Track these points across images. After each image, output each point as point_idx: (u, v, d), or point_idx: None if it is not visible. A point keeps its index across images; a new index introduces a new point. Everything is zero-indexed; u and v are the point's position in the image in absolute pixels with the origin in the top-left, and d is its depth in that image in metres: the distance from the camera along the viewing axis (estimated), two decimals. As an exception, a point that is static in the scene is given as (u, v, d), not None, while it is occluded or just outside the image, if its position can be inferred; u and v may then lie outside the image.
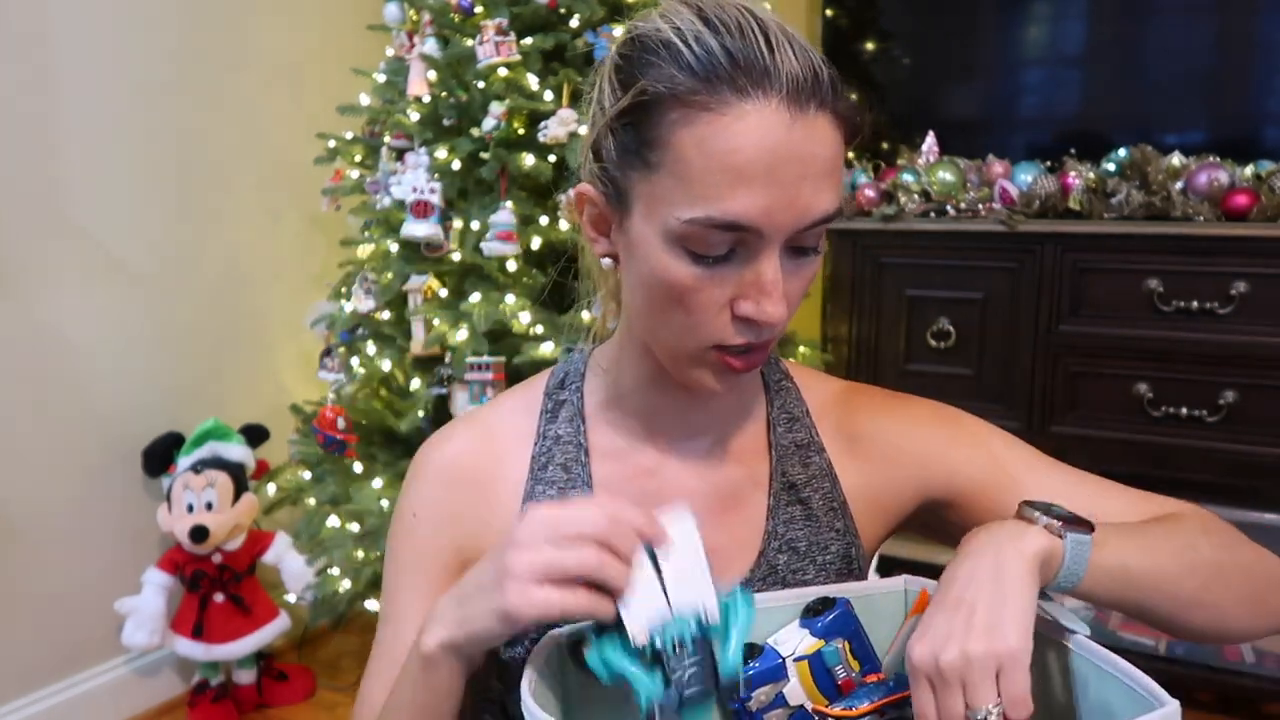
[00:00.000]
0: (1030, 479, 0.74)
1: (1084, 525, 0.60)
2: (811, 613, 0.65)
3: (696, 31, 0.61)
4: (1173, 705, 0.51)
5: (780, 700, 0.61)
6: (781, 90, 0.60)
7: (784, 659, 0.61)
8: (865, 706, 0.57)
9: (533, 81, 1.75)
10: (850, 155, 2.32)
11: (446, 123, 1.84)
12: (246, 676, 2.05)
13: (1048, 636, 0.60)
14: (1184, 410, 1.87)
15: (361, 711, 0.74)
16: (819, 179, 0.61)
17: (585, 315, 1.75)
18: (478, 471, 0.78)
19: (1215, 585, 0.67)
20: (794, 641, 0.63)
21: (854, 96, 0.66)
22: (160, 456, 1.99)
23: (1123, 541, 0.63)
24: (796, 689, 0.60)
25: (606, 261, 0.71)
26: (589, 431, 0.78)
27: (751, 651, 0.63)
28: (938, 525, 0.79)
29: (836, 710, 0.59)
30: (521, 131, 1.77)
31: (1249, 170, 1.85)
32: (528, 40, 1.75)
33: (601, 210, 0.69)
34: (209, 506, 1.94)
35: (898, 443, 0.78)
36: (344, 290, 2.00)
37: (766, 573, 0.74)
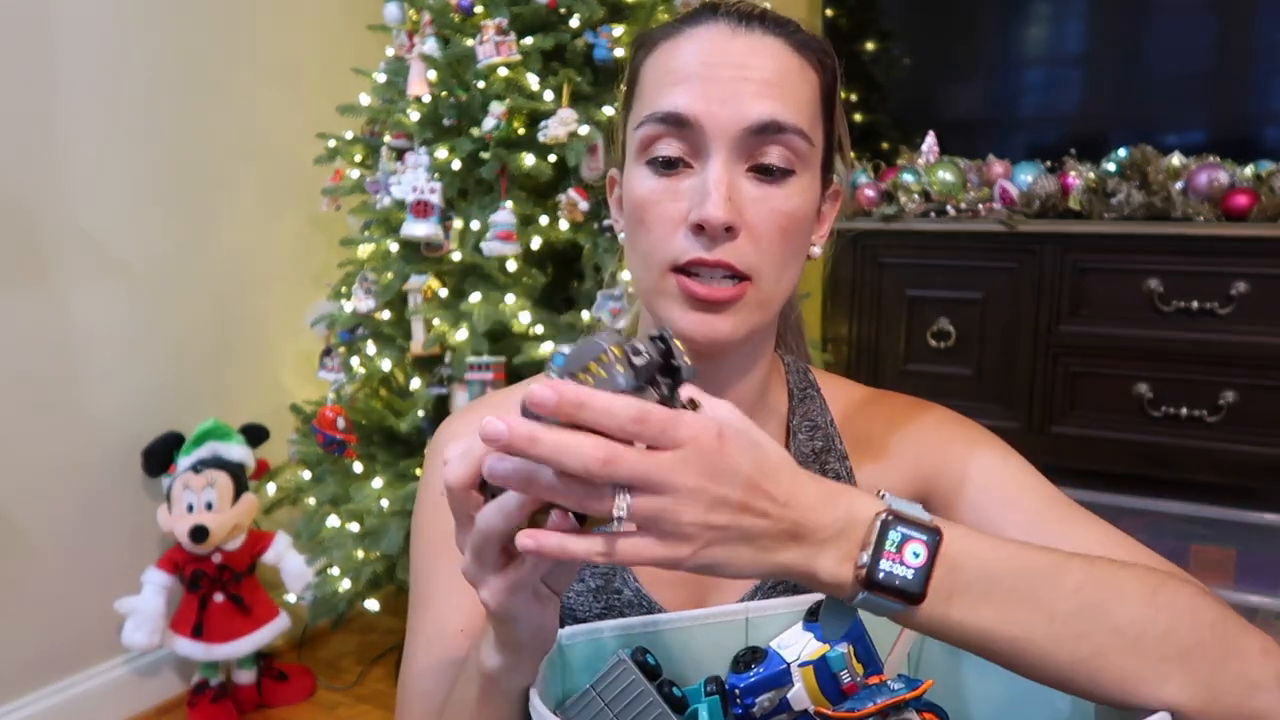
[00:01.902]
0: (1035, 507, 0.71)
1: (903, 596, 0.50)
2: (816, 616, 0.65)
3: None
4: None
5: (784, 705, 0.61)
6: (728, 15, 0.67)
7: (789, 664, 0.61)
8: (869, 709, 0.57)
9: (533, 81, 1.75)
10: (851, 155, 2.32)
11: (446, 123, 1.84)
12: (246, 676, 2.04)
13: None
14: (1184, 410, 1.87)
15: (415, 706, 0.72)
16: (761, 85, 0.65)
17: (585, 315, 1.76)
18: None
19: (1119, 655, 0.52)
20: (798, 645, 0.62)
21: (822, 40, 0.72)
22: (160, 456, 1.99)
23: (969, 601, 0.51)
24: (801, 694, 0.60)
25: (623, 236, 0.74)
26: None
27: (755, 656, 0.63)
28: None
29: (840, 713, 0.59)
30: (521, 131, 1.77)
31: (1249, 170, 1.85)
32: (528, 40, 1.75)
33: (619, 183, 0.74)
34: (209, 506, 1.94)
35: (905, 447, 0.77)
36: (344, 290, 2.00)
37: (776, 580, 0.74)
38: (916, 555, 0.50)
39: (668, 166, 0.66)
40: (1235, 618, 0.56)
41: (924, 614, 0.51)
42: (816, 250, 0.75)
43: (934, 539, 0.51)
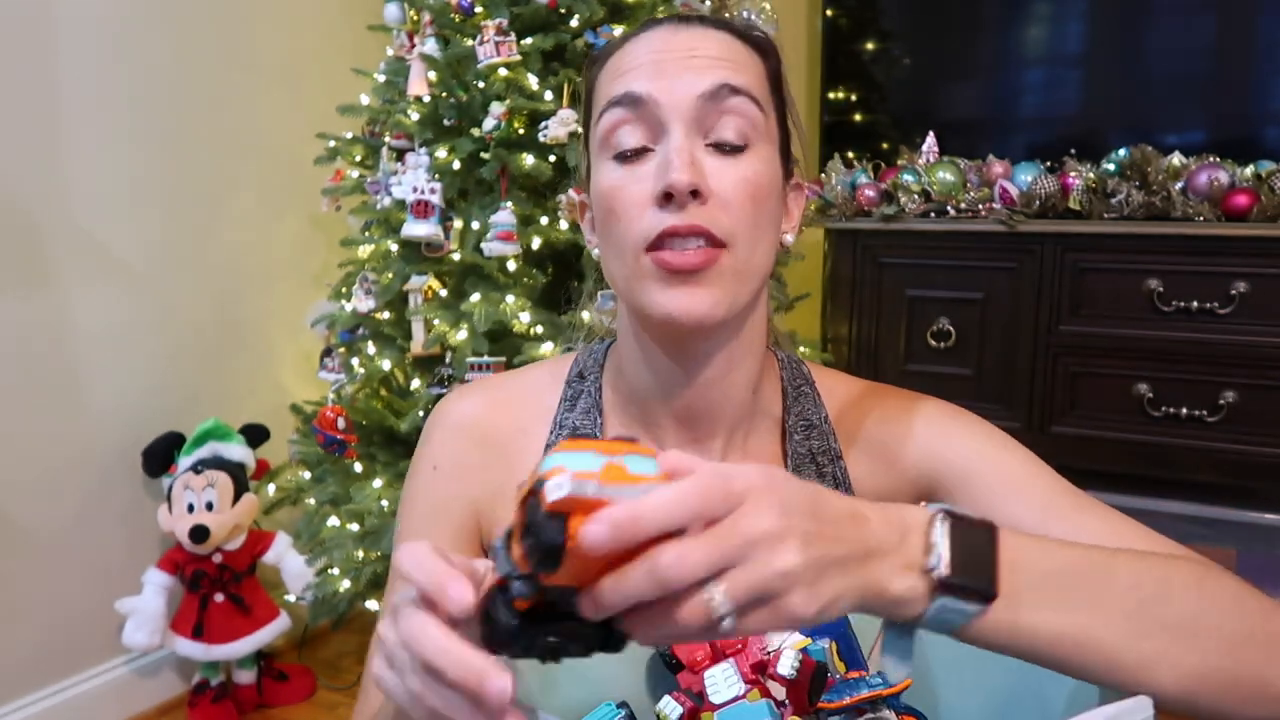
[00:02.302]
0: (1044, 495, 0.69)
1: (974, 594, 0.48)
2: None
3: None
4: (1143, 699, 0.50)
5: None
6: (670, 20, 0.71)
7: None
8: (844, 701, 0.57)
9: (533, 81, 1.75)
10: (850, 155, 2.32)
11: (446, 123, 1.84)
12: (246, 676, 2.05)
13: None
14: (1184, 410, 1.87)
15: (372, 690, 0.70)
16: (708, 61, 0.67)
17: (585, 315, 1.75)
18: (498, 433, 0.77)
19: (1179, 651, 0.52)
20: (779, 636, 0.62)
21: (761, 32, 0.75)
22: (160, 456, 1.99)
23: (1034, 602, 0.50)
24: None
25: (597, 252, 0.74)
26: (605, 427, 0.77)
27: None
28: None
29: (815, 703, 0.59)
30: (521, 131, 1.77)
31: (1249, 170, 1.85)
32: (528, 40, 1.75)
33: (589, 204, 0.75)
34: (209, 506, 1.94)
35: (902, 442, 0.76)
36: (344, 290, 2.00)
37: None
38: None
39: (631, 156, 0.68)
40: (1271, 602, 0.56)
41: (993, 619, 0.48)
42: (789, 238, 0.74)
43: (992, 534, 0.49)
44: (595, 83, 0.73)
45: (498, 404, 0.79)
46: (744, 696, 0.56)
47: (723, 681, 0.57)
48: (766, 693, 0.56)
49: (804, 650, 0.61)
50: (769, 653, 0.60)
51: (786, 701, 0.59)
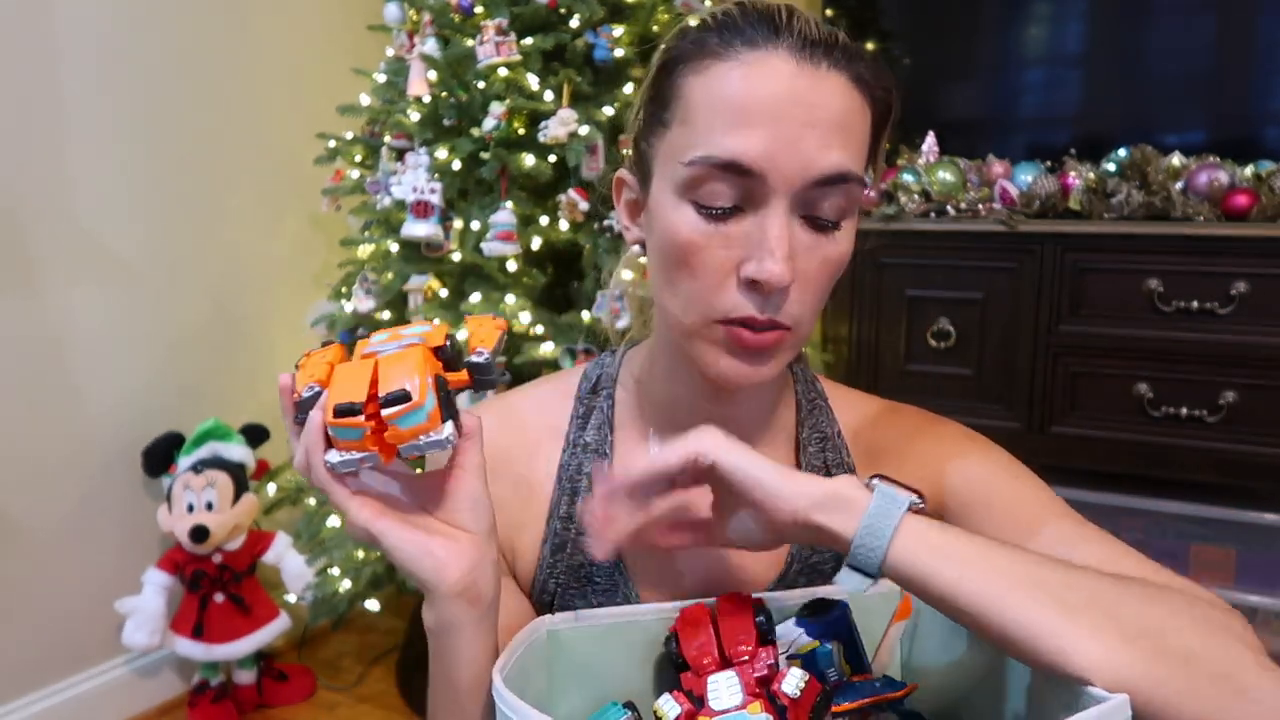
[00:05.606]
0: (1046, 524, 0.68)
1: (908, 489, 0.57)
2: (809, 612, 0.65)
3: (724, 8, 0.64)
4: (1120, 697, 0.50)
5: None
6: (791, 40, 0.61)
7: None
8: (850, 704, 0.57)
9: (533, 81, 1.75)
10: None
11: (446, 123, 1.84)
12: (246, 676, 2.05)
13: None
14: (1184, 410, 1.87)
15: None
16: (827, 131, 0.60)
17: (585, 315, 1.75)
18: (509, 459, 0.75)
19: (1177, 679, 0.50)
20: (788, 639, 0.63)
21: (887, 74, 0.66)
22: (160, 456, 1.99)
23: (972, 540, 0.55)
24: (785, 686, 0.61)
25: (635, 249, 0.72)
26: (616, 443, 0.76)
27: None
28: None
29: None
30: (521, 131, 1.77)
31: (1249, 170, 1.85)
32: (528, 40, 1.75)
33: (635, 194, 0.70)
34: (209, 506, 1.94)
35: (917, 462, 0.74)
36: (344, 290, 2.00)
37: (790, 580, 0.75)
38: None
39: (720, 214, 0.62)
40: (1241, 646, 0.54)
41: (924, 534, 0.55)
42: None
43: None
44: (684, 84, 0.64)
45: (507, 426, 0.77)
46: (744, 707, 0.55)
47: (725, 689, 0.57)
48: (768, 707, 0.56)
49: (812, 652, 0.61)
50: (776, 668, 0.60)
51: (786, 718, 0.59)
